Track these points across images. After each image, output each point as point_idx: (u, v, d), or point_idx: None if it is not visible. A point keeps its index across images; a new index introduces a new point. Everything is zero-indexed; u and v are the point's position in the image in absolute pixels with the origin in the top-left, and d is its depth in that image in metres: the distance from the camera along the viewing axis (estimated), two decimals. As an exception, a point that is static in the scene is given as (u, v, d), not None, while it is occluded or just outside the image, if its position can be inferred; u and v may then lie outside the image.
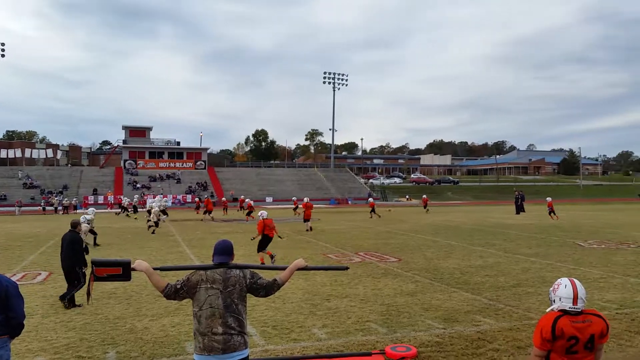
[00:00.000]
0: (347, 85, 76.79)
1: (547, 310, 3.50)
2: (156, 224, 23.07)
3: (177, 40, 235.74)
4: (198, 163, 69.62)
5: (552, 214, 28.89)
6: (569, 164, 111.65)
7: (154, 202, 26.85)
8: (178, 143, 72.09)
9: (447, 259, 13.48)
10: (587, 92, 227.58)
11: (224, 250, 3.73)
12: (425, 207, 37.82)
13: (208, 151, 74.95)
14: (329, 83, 75.83)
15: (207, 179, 65.01)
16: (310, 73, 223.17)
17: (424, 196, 39.95)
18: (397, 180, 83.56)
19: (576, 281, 3.44)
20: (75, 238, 9.08)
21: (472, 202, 61.91)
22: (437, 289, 9.74)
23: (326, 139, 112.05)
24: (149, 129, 71.64)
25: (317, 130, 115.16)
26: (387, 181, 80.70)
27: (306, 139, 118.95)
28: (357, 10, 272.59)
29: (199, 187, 62.28)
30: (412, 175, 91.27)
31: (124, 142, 68.52)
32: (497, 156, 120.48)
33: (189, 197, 59.02)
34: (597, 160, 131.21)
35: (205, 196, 44.82)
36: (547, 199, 30.90)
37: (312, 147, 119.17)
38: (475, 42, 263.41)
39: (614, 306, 8.21)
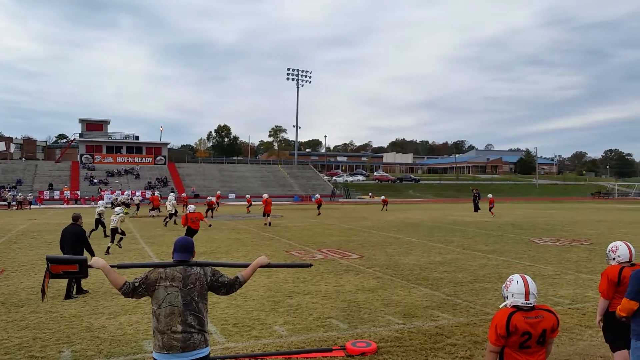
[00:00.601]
0: (310, 82, 76.88)
1: (501, 307, 3.62)
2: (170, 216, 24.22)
3: (138, 33, 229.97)
4: (158, 158, 68.23)
5: (491, 210, 30.48)
6: (526, 164, 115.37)
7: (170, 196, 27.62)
8: (137, 137, 70.44)
9: (408, 256, 13.72)
10: (544, 93, 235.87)
11: (184, 248, 3.66)
12: (383, 206, 38.51)
13: (168, 146, 73.55)
14: (293, 80, 75.67)
15: (167, 175, 63.80)
16: (274, 69, 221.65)
17: (383, 197, 40.91)
18: (361, 177, 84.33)
19: (528, 277, 3.56)
20: (78, 231, 9.28)
21: (433, 199, 63.16)
22: (397, 285, 9.89)
23: (290, 135, 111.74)
24: (107, 122, 69.73)
25: (280, 127, 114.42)
26: (350, 178, 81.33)
27: (270, 136, 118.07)
28: (322, 8, 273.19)
29: (158, 183, 61.04)
30: (375, 173, 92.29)
31: (81, 135, 66.47)
32: (457, 155, 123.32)
33: (148, 193, 57.78)
34: (552, 160, 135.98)
35: (156, 193, 43.98)
36: (489, 195, 31.78)
37: (275, 144, 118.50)
38: (439, 42, 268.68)
39: (567, 301, 8.54)
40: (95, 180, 59.15)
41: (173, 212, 24.37)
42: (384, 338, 6.48)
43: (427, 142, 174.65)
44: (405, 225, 23.85)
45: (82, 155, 64.64)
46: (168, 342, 3.42)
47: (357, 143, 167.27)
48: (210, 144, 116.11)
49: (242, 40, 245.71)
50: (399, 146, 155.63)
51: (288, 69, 75.66)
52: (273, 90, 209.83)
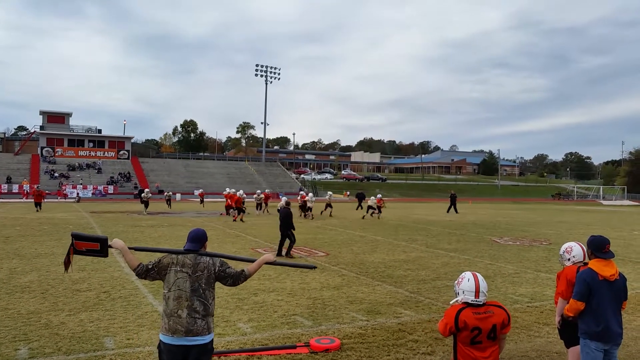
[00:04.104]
0: (279, 79, 76.90)
1: (451, 303, 3.75)
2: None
3: (104, 22, 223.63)
4: (121, 152, 66.76)
5: (378, 209, 27.96)
6: (489, 165, 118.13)
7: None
8: (99, 131, 68.74)
9: (373, 254, 13.88)
10: (509, 96, 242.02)
11: (196, 238, 3.86)
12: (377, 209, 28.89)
13: (132, 140, 71.98)
14: (262, 76, 75.27)
15: (130, 170, 62.46)
16: (243, 64, 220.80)
17: (379, 196, 30.36)
18: (328, 175, 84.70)
19: (479, 275, 3.70)
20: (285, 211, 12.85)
21: (399, 199, 63.91)
22: (362, 282, 10.01)
23: (258, 132, 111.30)
24: (69, 114, 67.73)
25: (248, 123, 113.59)
26: (318, 177, 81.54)
27: (237, 132, 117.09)
28: (294, 3, 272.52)
29: (121, 178, 59.71)
30: (342, 172, 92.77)
31: (42, 128, 64.36)
32: (423, 156, 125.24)
33: (110, 188, 56.44)
34: (514, 162, 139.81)
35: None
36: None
37: (243, 141, 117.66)
38: (409, 42, 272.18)
39: (526, 299, 8.82)
40: (56, 174, 57.38)
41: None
42: (348, 335, 6.55)
43: (395, 141, 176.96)
44: (371, 223, 24.09)
45: (42, 148, 62.63)
46: (173, 325, 3.60)
47: (326, 141, 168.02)
48: (175, 139, 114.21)
49: (212, 33, 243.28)
50: (367, 145, 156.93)
51: (257, 65, 75.24)
52: (242, 85, 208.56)
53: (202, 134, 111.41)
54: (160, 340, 3.69)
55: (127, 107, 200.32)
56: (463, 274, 3.78)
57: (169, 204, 36.03)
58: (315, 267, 4.53)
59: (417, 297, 8.79)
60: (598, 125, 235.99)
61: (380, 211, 27.96)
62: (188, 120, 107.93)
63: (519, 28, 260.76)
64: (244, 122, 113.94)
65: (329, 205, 29.21)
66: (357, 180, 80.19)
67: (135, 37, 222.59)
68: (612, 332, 4.24)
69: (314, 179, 78.27)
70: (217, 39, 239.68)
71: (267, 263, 3.99)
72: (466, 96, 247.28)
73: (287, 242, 13.34)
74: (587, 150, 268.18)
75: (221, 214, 28.21)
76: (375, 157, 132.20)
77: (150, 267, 3.77)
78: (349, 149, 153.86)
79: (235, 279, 3.82)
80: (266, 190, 29.62)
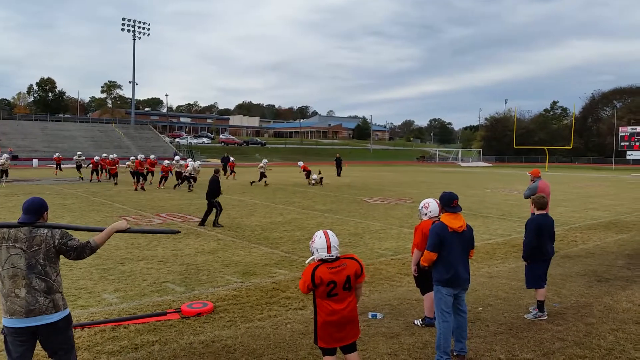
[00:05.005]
0: (149, 35, 71.59)
1: (307, 262, 3.89)
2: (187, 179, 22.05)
3: None
4: (-37, 113, 58.07)
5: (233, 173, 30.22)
6: (362, 130, 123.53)
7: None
8: None
9: (251, 217, 13.88)
10: (382, 64, 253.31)
11: (30, 209, 3.45)
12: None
13: (-23, 100, 62.91)
14: (129, 31, 69.64)
15: (-24, 133, 54.83)
16: (109, 18, 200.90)
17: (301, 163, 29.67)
18: (206, 140, 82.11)
19: (329, 232, 3.86)
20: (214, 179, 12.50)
21: (279, 162, 64.46)
22: (238, 245, 9.98)
23: (126, 92, 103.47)
24: None
25: (115, 82, 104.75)
26: (195, 141, 78.68)
27: (102, 92, 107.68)
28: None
29: (-36, 142, 52.18)
30: (220, 136, 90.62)
31: None
32: (301, 120, 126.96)
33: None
34: (385, 127, 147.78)
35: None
36: (231, 159, 32.21)
37: (109, 101, 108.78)
38: (289, 4, 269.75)
39: (390, 253, 9.48)
40: None
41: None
42: (222, 297, 6.52)
43: (274, 106, 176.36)
44: (250, 187, 24.00)
45: None
46: (12, 306, 3.31)
47: (202, 104, 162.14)
48: (31, 99, 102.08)
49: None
50: (245, 109, 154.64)
51: (123, 19, 69.27)
52: (107, 42, 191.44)
53: (62, 93, 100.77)
54: (2, 324, 3.36)
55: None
56: (315, 233, 3.90)
57: (79, 170, 29.02)
58: (178, 232, 4.32)
59: (291, 257, 9.00)
60: (459, 93, 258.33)
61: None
62: (46, 78, 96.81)
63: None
64: (110, 81, 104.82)
65: (263, 175, 25.47)
66: (236, 145, 79.01)
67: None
68: (460, 278, 4.71)
69: (190, 143, 75.45)
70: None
71: (119, 231, 3.64)
72: (343, 62, 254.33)
73: (213, 212, 12.58)
74: (449, 117, 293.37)
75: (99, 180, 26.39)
76: (255, 122, 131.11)
77: None
78: (227, 112, 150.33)
79: (79, 252, 3.47)
80: (151, 157, 26.58)
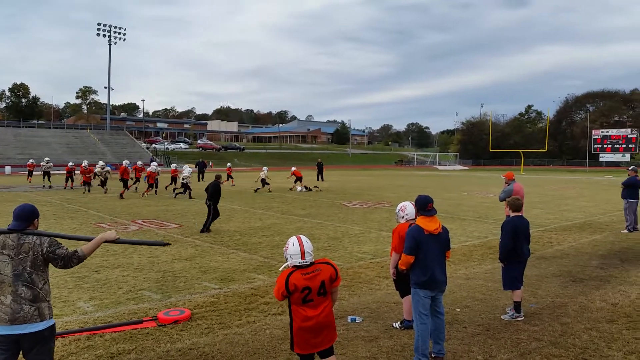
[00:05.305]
0: (125, 40, 70.67)
1: (281, 269, 3.85)
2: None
3: None
4: None
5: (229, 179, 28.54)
6: (341, 135, 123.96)
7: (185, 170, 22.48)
8: None
9: (229, 222, 13.76)
10: (359, 69, 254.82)
11: (20, 216, 3.45)
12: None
13: (-55, 105, 61.20)
14: (104, 36, 68.64)
15: (-56, 140, 53.27)
16: (84, 23, 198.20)
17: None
18: (183, 145, 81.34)
19: (303, 238, 3.81)
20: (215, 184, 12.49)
21: (257, 168, 64.18)
22: (216, 251, 9.88)
23: (102, 98, 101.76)
24: None
25: (90, 87, 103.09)
26: (172, 146, 77.84)
27: (77, 97, 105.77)
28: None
29: None
30: (198, 141, 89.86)
31: None
32: (280, 125, 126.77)
33: None
34: (364, 131, 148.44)
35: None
36: (264, 168, 28.91)
37: (84, 107, 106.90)
38: (268, 10, 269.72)
39: (369, 256, 9.50)
40: None
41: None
42: (199, 304, 6.43)
43: (253, 110, 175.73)
44: (229, 192, 23.78)
45: None
46: None
47: (180, 109, 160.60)
48: (3, 105, 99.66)
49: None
50: (224, 114, 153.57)
51: (99, 24, 68.25)
52: (82, 47, 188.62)
53: (36, 99, 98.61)
54: None
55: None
56: (289, 239, 3.86)
57: (48, 178, 27.47)
58: (169, 244, 4.31)
59: (270, 262, 8.94)
60: (436, 98, 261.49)
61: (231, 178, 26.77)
62: (18, 83, 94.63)
63: (368, 3, 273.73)
64: (85, 87, 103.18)
65: (265, 182, 24.87)
66: (214, 150, 78.42)
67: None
68: (438, 280, 4.74)
69: (167, 148, 74.63)
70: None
71: (108, 241, 3.63)
72: (321, 68, 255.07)
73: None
74: (426, 121, 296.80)
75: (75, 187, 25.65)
76: (233, 127, 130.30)
77: None
78: (205, 117, 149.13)
79: (66, 261, 3.44)
80: (138, 163, 25.98)
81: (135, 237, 11.24)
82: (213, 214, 12.37)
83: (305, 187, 25.23)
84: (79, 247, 3.53)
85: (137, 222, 13.90)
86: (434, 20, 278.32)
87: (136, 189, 23.28)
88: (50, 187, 26.36)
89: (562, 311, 6.22)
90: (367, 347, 5.07)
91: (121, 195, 20.76)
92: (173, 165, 25.74)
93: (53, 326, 3.45)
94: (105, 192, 22.61)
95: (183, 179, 21.37)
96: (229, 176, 29.37)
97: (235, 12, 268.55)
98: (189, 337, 5.33)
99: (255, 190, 24.51)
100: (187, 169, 22.10)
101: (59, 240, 3.56)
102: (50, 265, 3.50)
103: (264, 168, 26.24)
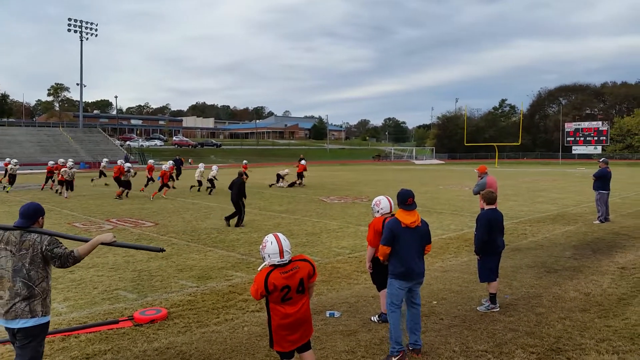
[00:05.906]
0: (96, 35, 69.12)
1: (260, 268, 3.81)
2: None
3: None
4: None
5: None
6: (319, 130, 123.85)
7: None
8: None
9: (206, 220, 13.64)
10: (336, 65, 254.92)
11: (25, 214, 3.58)
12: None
13: None
14: (75, 32, 67.10)
15: None
16: (55, 18, 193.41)
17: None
18: (158, 142, 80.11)
19: (281, 236, 3.78)
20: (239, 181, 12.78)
21: (235, 164, 63.74)
22: (193, 249, 9.78)
23: (74, 95, 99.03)
24: None
25: (62, 84, 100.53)
26: (146, 143, 76.62)
27: (49, 94, 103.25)
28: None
29: None
30: (174, 138, 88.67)
31: None
32: (257, 121, 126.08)
33: None
34: (341, 127, 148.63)
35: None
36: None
37: (56, 104, 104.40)
38: (243, 4, 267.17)
39: (347, 251, 9.53)
40: None
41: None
42: (176, 303, 6.36)
43: (229, 106, 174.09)
44: (205, 190, 23.56)
45: None
46: None
47: (154, 105, 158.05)
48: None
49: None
50: (199, 110, 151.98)
51: (69, 19, 66.66)
52: (53, 42, 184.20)
53: (5, 96, 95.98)
54: None
55: None
56: (265, 238, 3.80)
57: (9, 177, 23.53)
58: (163, 250, 4.33)
59: (248, 259, 8.89)
60: (412, 92, 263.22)
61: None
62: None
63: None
64: (57, 84, 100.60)
65: (281, 177, 25.51)
66: (190, 147, 77.55)
67: None
68: (414, 272, 4.79)
69: (142, 145, 73.45)
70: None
71: (104, 244, 3.65)
72: (297, 63, 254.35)
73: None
74: (402, 116, 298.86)
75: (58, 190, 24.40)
76: (209, 123, 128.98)
77: None
78: (180, 113, 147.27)
79: (63, 260, 3.51)
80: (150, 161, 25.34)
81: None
82: (242, 209, 12.77)
83: (291, 183, 25.42)
84: (75, 248, 3.60)
85: (112, 220, 13.67)
86: (409, 15, 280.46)
87: (145, 187, 22.04)
88: (6, 191, 22.47)
89: (537, 301, 6.35)
90: (346, 342, 5.09)
91: (119, 196, 19.59)
92: (150, 161, 25.57)
93: (45, 324, 3.53)
94: (66, 197, 19.67)
95: (210, 176, 22.47)
96: (245, 173, 29.04)
97: (212, 5, 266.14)
98: (166, 336, 5.27)
99: (270, 186, 25.14)
100: (215, 168, 23.49)
101: (61, 240, 3.63)
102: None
103: (214, 167, 24.44)
